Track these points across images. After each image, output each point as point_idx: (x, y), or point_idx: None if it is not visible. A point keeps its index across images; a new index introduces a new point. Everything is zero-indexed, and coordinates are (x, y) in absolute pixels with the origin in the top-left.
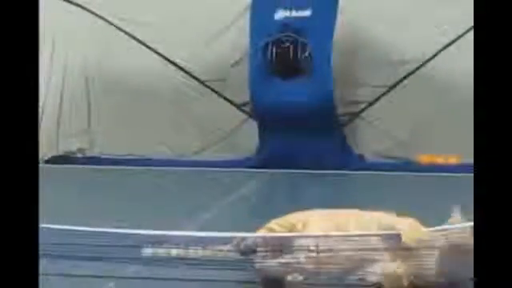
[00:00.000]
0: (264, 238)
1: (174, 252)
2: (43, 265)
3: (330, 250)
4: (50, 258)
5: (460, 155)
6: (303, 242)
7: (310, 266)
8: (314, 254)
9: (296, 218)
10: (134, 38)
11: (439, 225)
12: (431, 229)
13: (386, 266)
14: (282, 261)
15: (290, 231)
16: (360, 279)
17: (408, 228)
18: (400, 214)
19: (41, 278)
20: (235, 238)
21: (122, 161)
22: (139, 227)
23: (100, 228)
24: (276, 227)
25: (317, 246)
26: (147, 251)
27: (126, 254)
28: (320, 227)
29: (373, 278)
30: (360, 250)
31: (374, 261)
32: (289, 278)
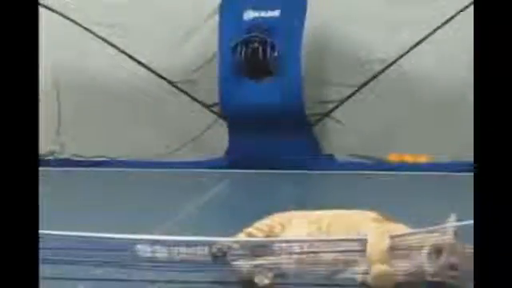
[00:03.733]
0: (237, 242)
1: (160, 254)
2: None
3: (310, 253)
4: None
5: (429, 154)
6: (281, 245)
7: (291, 268)
8: (293, 257)
9: (275, 220)
10: (103, 39)
11: (413, 223)
12: (413, 231)
13: (372, 266)
14: (257, 263)
15: (269, 234)
16: (345, 280)
17: (375, 238)
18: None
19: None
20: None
21: (92, 163)
22: (108, 230)
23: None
24: (254, 231)
25: (299, 248)
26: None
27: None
28: (300, 230)
29: (358, 278)
30: (341, 252)
31: (356, 262)
32: (256, 279)
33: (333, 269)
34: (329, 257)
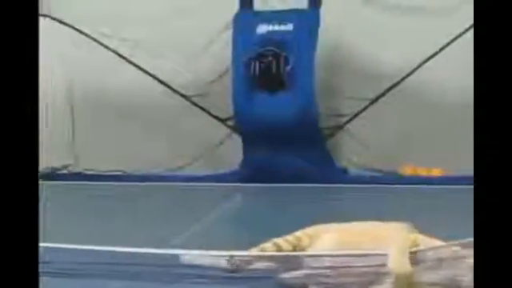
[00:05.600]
0: (258, 256)
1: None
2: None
3: (332, 268)
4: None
5: (443, 167)
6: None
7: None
8: (322, 271)
9: (305, 233)
10: (117, 53)
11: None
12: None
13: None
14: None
15: (296, 246)
16: None
17: (396, 258)
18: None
19: None
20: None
21: (106, 177)
22: (123, 244)
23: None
24: (281, 242)
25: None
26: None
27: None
28: (330, 244)
29: None
30: (370, 266)
31: (381, 277)
32: None
33: (358, 283)
34: (353, 272)
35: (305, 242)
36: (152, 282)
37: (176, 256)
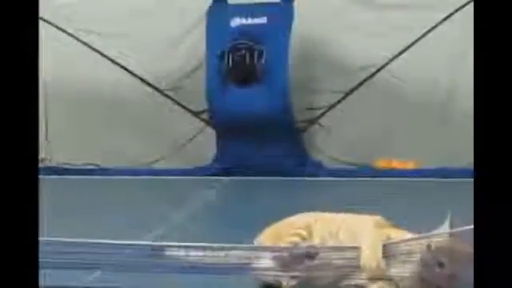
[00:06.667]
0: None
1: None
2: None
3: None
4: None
5: (417, 160)
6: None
7: (304, 274)
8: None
9: (309, 223)
10: (91, 47)
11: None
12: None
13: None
14: (280, 268)
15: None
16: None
17: (368, 251)
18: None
19: None
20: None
21: (80, 171)
22: (98, 237)
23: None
24: (295, 239)
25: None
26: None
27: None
28: (320, 235)
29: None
30: (344, 259)
31: (355, 269)
32: (284, 283)
33: (335, 276)
34: (330, 264)
35: (304, 233)
36: (131, 273)
37: (157, 247)
